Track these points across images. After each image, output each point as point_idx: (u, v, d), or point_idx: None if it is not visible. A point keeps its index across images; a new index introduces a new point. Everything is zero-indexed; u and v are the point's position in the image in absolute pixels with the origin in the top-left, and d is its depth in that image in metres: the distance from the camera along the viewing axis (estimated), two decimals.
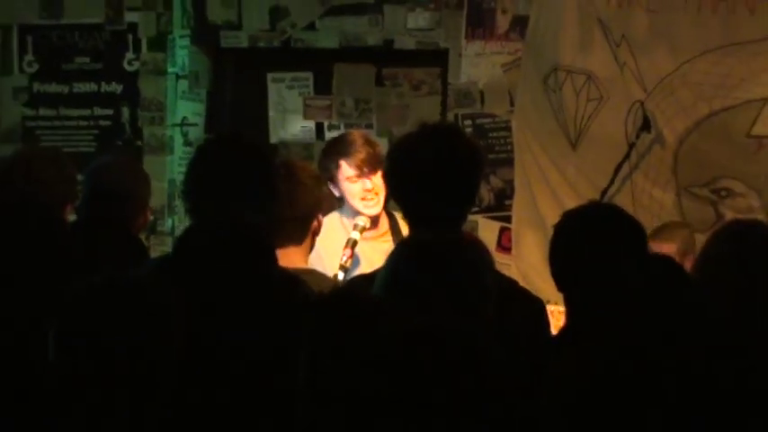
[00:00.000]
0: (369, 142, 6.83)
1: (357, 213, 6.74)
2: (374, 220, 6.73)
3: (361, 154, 6.71)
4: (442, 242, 4.34)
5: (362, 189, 6.70)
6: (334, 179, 6.82)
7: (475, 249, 4.46)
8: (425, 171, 4.81)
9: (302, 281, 4.81)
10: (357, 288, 4.82)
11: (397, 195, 5.12)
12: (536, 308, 4.76)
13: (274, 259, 4.73)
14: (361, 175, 6.70)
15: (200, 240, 4.68)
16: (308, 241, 5.52)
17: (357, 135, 7.06)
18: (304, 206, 5.49)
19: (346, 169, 6.74)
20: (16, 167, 6.03)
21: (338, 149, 6.89)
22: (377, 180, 6.61)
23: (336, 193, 6.94)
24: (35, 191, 5.67)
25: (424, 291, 3.97)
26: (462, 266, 4.14)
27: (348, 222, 6.81)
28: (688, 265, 6.39)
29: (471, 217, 8.83)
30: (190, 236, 4.84)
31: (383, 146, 7.48)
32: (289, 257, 5.23)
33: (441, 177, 4.80)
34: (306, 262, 5.63)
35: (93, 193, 5.87)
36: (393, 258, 4.33)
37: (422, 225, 4.85)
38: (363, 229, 6.57)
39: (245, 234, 4.60)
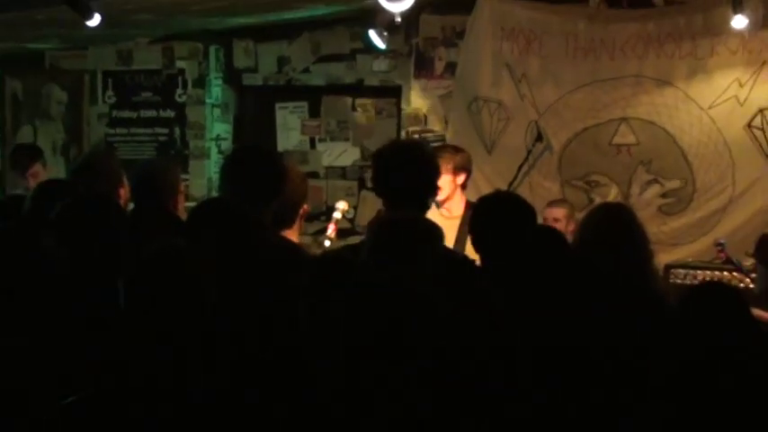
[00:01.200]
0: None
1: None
2: (447, 207, 7.29)
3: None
4: (405, 219, 4.84)
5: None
6: None
7: (428, 225, 4.89)
8: (398, 172, 5.34)
9: (302, 248, 5.29)
10: (340, 253, 5.33)
11: (378, 189, 5.53)
12: (468, 265, 5.18)
13: (276, 234, 5.19)
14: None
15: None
16: (297, 224, 5.83)
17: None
18: (293, 196, 5.82)
19: None
20: (85, 164, 6.54)
21: None
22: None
23: None
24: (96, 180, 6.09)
25: (391, 253, 4.46)
26: (417, 235, 4.64)
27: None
28: (571, 228, 7.49)
29: None
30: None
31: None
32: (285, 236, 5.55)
33: (408, 177, 5.31)
34: (297, 240, 5.91)
35: (138, 181, 6.24)
36: (373, 230, 4.80)
37: (395, 208, 5.30)
38: (344, 211, 7.08)
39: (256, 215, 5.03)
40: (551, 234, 5.18)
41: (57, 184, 5.83)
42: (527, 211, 5.03)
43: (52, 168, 9.82)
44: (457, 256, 5.52)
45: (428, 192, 5.40)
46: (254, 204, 5.15)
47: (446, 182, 7.01)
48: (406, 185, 5.29)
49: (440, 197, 6.95)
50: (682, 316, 4.26)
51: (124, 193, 6.41)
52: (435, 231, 4.77)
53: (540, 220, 6.44)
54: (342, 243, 6.68)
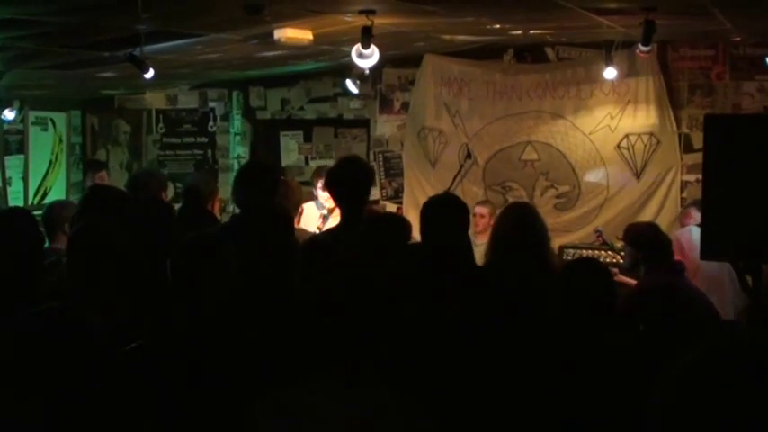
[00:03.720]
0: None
1: (323, 205, 7.35)
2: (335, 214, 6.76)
3: (324, 179, 6.80)
4: (382, 217, 5.00)
5: (325, 196, 7.10)
6: (315, 187, 7.46)
7: (398, 221, 4.94)
8: (342, 180, 5.24)
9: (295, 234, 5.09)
10: (322, 237, 5.33)
11: (330, 191, 5.45)
12: (412, 249, 4.89)
13: (284, 222, 5.01)
14: (324, 189, 6.75)
15: (242, 215, 5.19)
16: (296, 219, 6.02)
17: (327, 168, 7.01)
18: (293, 199, 6.01)
19: (319, 185, 7.28)
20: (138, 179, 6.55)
21: (319, 175, 7.48)
22: None
23: (314, 194, 7.55)
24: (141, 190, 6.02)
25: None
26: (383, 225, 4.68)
27: (318, 209, 7.38)
28: (492, 221, 7.17)
29: (382, 202, 9.65)
30: (236, 215, 5.38)
31: None
32: None
33: (349, 183, 5.19)
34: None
35: (186, 188, 6.28)
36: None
37: (343, 207, 5.21)
38: (329, 209, 7.13)
39: (265, 211, 4.96)
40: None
41: (103, 188, 5.76)
42: (461, 208, 4.90)
43: (120, 179, 9.77)
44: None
45: (366, 193, 5.34)
46: (260, 201, 5.16)
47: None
48: (348, 191, 5.25)
49: (329, 206, 6.99)
50: (561, 279, 4.20)
51: (164, 197, 6.43)
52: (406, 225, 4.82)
53: (471, 215, 6.38)
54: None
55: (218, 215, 6.79)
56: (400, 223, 4.87)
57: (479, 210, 8.23)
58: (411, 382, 2.88)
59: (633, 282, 6.22)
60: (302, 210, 6.84)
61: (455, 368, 3.69)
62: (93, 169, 8.82)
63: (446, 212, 4.75)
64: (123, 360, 3.15)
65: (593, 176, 9.04)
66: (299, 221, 6.53)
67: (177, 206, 6.62)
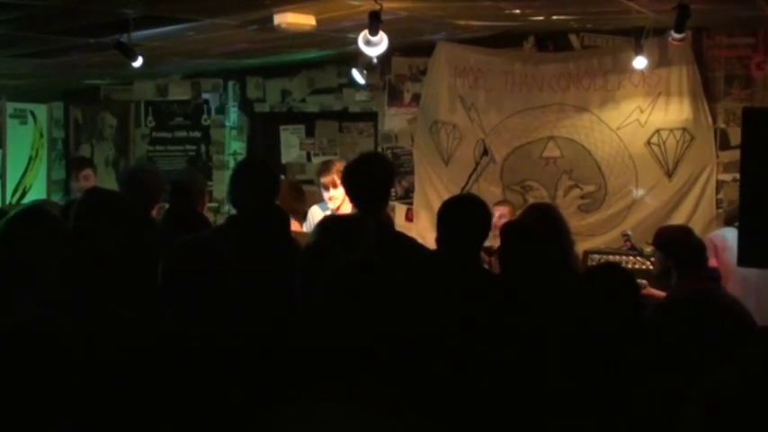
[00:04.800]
0: (338, 171, 7.06)
1: (327, 205, 7.33)
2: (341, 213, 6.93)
3: (327, 178, 7.29)
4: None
5: (327, 195, 7.31)
6: (319, 185, 7.43)
7: (384, 219, 4.96)
8: (364, 178, 5.24)
9: (294, 238, 5.14)
10: (322, 242, 4.81)
11: (348, 191, 5.47)
12: (421, 251, 5.19)
13: (281, 226, 5.15)
14: (326, 189, 7.26)
15: (237, 217, 5.21)
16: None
17: (333, 165, 7.42)
18: (301, 208, 6.05)
19: (321, 183, 7.35)
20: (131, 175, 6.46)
21: (320, 172, 7.48)
22: (335, 192, 7.18)
23: (321, 193, 7.44)
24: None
25: (359, 240, 4.38)
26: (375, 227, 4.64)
27: (323, 210, 7.31)
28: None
29: (391, 203, 9.32)
30: (232, 217, 5.37)
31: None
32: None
33: (371, 181, 5.21)
34: (300, 228, 6.15)
35: (173, 187, 6.17)
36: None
37: (361, 207, 5.19)
38: (332, 209, 7.09)
39: (262, 214, 5.03)
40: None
41: (100, 191, 5.75)
42: (481, 207, 4.88)
43: (105, 177, 9.95)
44: (413, 243, 5.46)
45: (387, 194, 5.41)
46: (257, 203, 5.19)
47: (340, 192, 6.89)
48: (370, 191, 5.28)
49: (333, 206, 7.08)
50: (579, 287, 4.14)
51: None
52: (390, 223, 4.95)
53: None
54: None
55: (207, 215, 6.81)
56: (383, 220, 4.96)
57: (498, 210, 8.18)
58: (419, 396, 2.92)
59: (663, 295, 6.20)
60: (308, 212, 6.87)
61: (468, 381, 3.73)
62: (78, 167, 8.81)
63: (461, 215, 4.75)
64: (115, 364, 3.21)
65: (620, 175, 9.06)
66: (301, 226, 6.55)
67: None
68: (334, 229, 4.49)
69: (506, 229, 5.02)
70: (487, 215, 4.83)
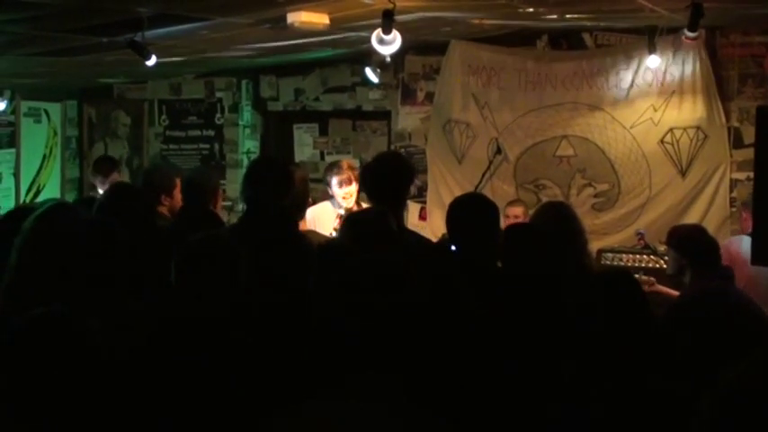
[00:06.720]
0: (349, 167, 7.30)
1: (340, 204, 7.29)
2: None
3: (342, 176, 7.24)
4: (373, 212, 4.94)
5: (342, 193, 7.27)
6: (329, 185, 7.34)
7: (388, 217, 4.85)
8: (382, 176, 5.28)
9: (306, 237, 4.89)
10: (337, 241, 5.15)
11: (366, 190, 5.51)
12: (433, 248, 5.26)
13: (294, 224, 5.20)
14: (341, 186, 7.22)
15: (251, 216, 5.24)
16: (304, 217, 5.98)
17: (344, 163, 7.45)
18: (301, 195, 5.93)
19: (334, 182, 7.28)
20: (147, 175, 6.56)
21: (331, 170, 7.41)
22: (349, 189, 7.20)
23: (330, 193, 7.39)
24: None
25: (374, 237, 4.48)
26: (383, 223, 4.69)
27: (335, 208, 7.30)
28: (525, 220, 7.29)
29: None
30: (245, 214, 5.40)
31: (356, 165, 7.81)
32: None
33: (390, 180, 5.25)
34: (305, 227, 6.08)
35: (186, 185, 6.27)
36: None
37: (379, 205, 5.19)
38: (347, 209, 7.06)
39: (275, 212, 5.09)
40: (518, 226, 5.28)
41: (125, 186, 5.84)
42: (491, 207, 4.90)
43: (118, 176, 9.67)
44: (430, 242, 5.50)
45: (405, 190, 5.42)
46: (271, 201, 5.20)
47: (354, 190, 7.04)
48: (388, 189, 5.30)
49: (347, 205, 7.09)
50: (587, 293, 3.99)
51: (176, 193, 6.54)
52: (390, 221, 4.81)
53: (501, 216, 6.30)
54: None
55: (221, 214, 6.84)
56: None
57: (512, 210, 8.22)
58: (432, 396, 2.90)
59: (674, 293, 6.21)
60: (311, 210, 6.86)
61: (480, 380, 3.70)
62: (104, 171, 8.57)
63: (473, 214, 4.76)
64: (124, 362, 3.20)
65: (634, 174, 9.04)
66: (305, 224, 6.51)
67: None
68: (362, 227, 4.59)
69: (509, 230, 5.04)
70: (495, 213, 4.88)
